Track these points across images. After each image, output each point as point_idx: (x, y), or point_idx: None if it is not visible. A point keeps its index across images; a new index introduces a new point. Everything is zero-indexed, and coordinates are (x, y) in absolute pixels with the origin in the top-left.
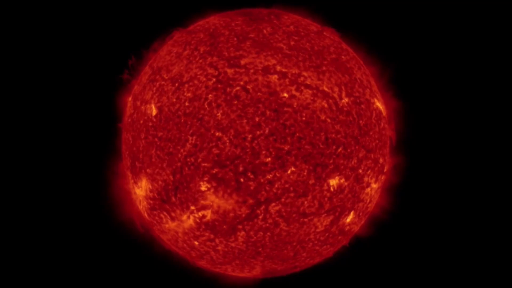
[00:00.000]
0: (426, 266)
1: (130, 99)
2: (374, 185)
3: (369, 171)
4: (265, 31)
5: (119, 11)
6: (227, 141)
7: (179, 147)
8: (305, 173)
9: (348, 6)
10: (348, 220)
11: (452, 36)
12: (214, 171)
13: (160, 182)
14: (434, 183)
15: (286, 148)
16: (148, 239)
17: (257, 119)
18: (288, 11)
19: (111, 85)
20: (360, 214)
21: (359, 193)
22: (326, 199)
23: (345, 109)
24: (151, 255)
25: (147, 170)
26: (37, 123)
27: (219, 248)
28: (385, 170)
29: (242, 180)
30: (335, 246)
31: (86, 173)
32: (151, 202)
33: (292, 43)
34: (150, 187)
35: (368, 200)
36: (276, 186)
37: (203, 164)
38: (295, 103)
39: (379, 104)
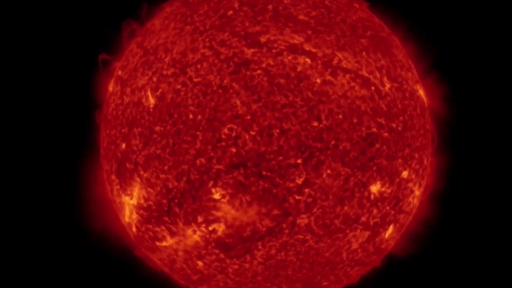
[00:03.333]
0: None
1: (113, 85)
2: (417, 192)
3: (414, 175)
4: (285, 1)
5: None
6: (248, 137)
7: (186, 145)
8: (342, 178)
9: None
10: (387, 235)
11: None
12: (230, 175)
13: (159, 189)
14: (485, 189)
15: (320, 146)
16: (132, 258)
17: (284, 110)
18: None
19: (85, 67)
20: (399, 227)
21: (401, 201)
22: (365, 209)
23: (388, 98)
24: (134, 277)
25: (143, 173)
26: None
27: (229, 270)
28: (428, 173)
29: (265, 186)
30: (367, 267)
31: (57, 178)
32: (145, 213)
33: (319, 16)
34: (145, 194)
35: (410, 210)
36: (307, 193)
37: (216, 166)
38: (330, 91)
39: (421, 92)
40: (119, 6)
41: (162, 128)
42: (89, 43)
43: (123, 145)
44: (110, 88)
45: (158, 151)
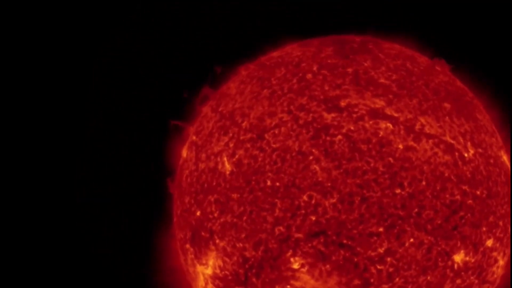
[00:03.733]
0: None
1: (187, 151)
2: (501, 262)
3: (498, 243)
4: (365, 64)
5: (166, 37)
6: (328, 205)
7: (264, 213)
8: (425, 246)
9: (458, 28)
10: None
11: None
12: (310, 244)
13: (236, 258)
14: None
15: (402, 214)
16: None
17: (365, 177)
18: (384, 38)
19: (157, 132)
20: None
21: (485, 271)
22: (448, 279)
23: (472, 164)
24: None
25: (219, 242)
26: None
27: None
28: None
29: (346, 255)
30: None
31: (130, 248)
32: (221, 283)
33: (401, 79)
34: (221, 264)
35: (494, 280)
36: (389, 262)
37: (296, 235)
38: (413, 157)
39: (505, 158)
40: (191, 69)
41: (239, 195)
42: (162, 109)
43: (198, 213)
44: (184, 154)
45: (235, 219)
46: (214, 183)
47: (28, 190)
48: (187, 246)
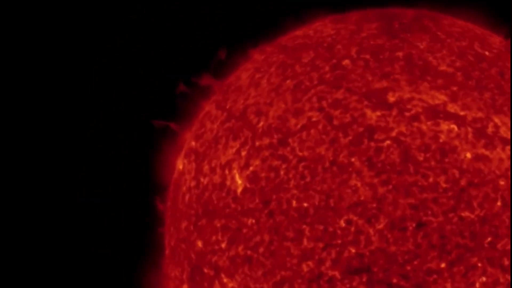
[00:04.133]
0: None
1: (184, 162)
2: None
3: None
4: (421, 45)
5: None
6: (372, 233)
7: (288, 244)
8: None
9: None
10: None
11: None
12: (348, 284)
13: None
14: None
15: (471, 245)
16: None
17: (422, 196)
18: (444, 12)
19: (146, 137)
20: None
21: None
22: None
23: None
24: None
25: (227, 282)
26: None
27: None
28: None
29: None
30: None
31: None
32: None
33: (468, 66)
34: None
35: None
36: None
37: (330, 273)
38: (485, 169)
39: None
40: (184, 52)
41: (254, 221)
42: (149, 107)
43: (199, 243)
44: (180, 166)
45: (249, 252)
46: (221, 204)
47: (28, 190)
48: (185, 287)
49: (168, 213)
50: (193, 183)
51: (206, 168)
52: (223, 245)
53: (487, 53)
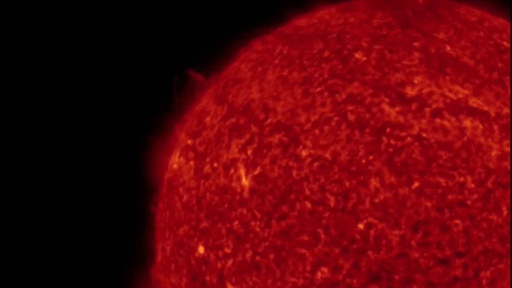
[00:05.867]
0: None
1: (180, 161)
2: None
3: None
4: (439, 36)
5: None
6: (393, 238)
7: (300, 249)
8: None
9: None
10: None
11: None
12: None
13: None
14: None
15: (501, 251)
16: None
17: (447, 198)
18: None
19: (134, 133)
20: None
21: None
22: None
23: None
24: None
25: None
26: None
27: None
28: None
29: None
30: None
31: None
32: None
33: (489, 58)
34: None
35: None
36: None
37: (347, 280)
38: None
39: None
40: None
41: (262, 224)
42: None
43: (201, 249)
44: (175, 165)
45: (257, 258)
46: (226, 207)
47: (22, 189)
48: None
49: (161, 216)
50: (192, 184)
51: (207, 167)
52: (228, 251)
53: (505, 43)
